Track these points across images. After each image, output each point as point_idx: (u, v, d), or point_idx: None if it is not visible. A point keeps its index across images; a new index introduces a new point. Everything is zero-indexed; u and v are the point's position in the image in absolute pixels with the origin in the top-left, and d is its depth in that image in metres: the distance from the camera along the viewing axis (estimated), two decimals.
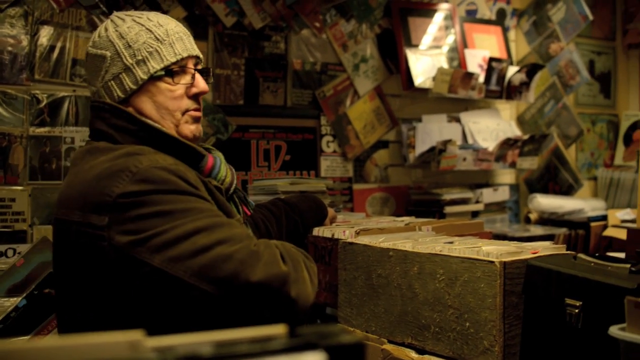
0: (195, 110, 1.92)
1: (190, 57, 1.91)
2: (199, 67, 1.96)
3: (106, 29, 1.89)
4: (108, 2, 3.46)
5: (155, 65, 1.83)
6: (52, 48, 3.31)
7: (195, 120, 1.93)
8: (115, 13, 1.95)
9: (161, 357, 0.66)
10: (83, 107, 3.33)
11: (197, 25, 3.74)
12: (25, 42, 3.24)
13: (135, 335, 0.71)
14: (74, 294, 1.76)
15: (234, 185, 1.99)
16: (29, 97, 3.24)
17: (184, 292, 1.57)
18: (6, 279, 2.90)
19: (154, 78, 1.84)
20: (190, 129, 1.90)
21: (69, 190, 1.72)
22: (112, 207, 1.59)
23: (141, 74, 1.83)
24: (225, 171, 1.96)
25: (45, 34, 3.30)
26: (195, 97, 1.92)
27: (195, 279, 1.55)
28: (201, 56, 1.98)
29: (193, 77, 1.91)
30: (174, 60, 1.85)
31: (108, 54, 1.85)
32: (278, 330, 0.75)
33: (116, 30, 1.87)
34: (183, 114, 1.89)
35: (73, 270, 1.74)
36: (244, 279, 1.55)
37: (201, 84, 1.92)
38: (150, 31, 1.86)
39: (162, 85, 1.85)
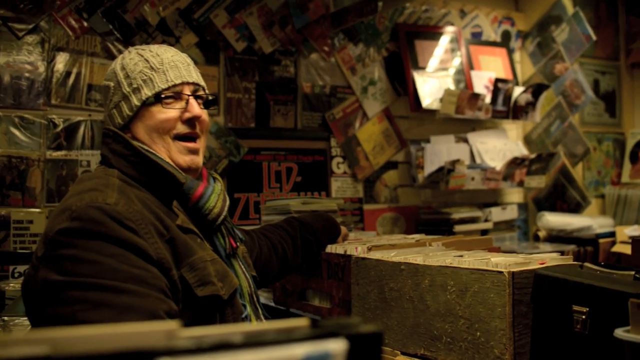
0: (190, 137, 1.95)
1: (185, 83, 1.94)
2: (200, 94, 1.99)
3: (115, 62, 1.98)
4: (122, 29, 3.55)
5: (147, 92, 1.88)
6: (68, 74, 3.41)
7: (191, 151, 1.95)
8: (131, 47, 2.03)
9: (196, 344, 0.71)
10: (98, 131, 3.42)
11: (209, 50, 3.83)
12: (42, 69, 3.34)
13: (171, 325, 0.77)
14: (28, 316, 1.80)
15: (221, 217, 1.97)
16: (46, 121, 3.33)
17: None
18: None
19: (146, 104, 1.89)
20: (184, 159, 1.93)
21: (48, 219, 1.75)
22: (49, 242, 1.62)
23: (135, 100, 1.89)
24: (214, 202, 1.94)
25: (61, 60, 3.40)
26: (189, 123, 1.94)
27: None
28: (202, 84, 2.01)
29: (187, 102, 1.93)
30: (165, 86, 1.89)
31: (112, 84, 1.94)
32: (302, 322, 0.81)
33: (121, 63, 1.95)
34: (174, 139, 1.92)
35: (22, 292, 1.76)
36: None
37: (195, 108, 1.93)
38: (147, 61, 1.92)
39: (154, 109, 1.89)
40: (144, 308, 1.58)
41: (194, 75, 1.99)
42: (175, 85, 1.92)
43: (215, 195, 1.96)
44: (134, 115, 1.90)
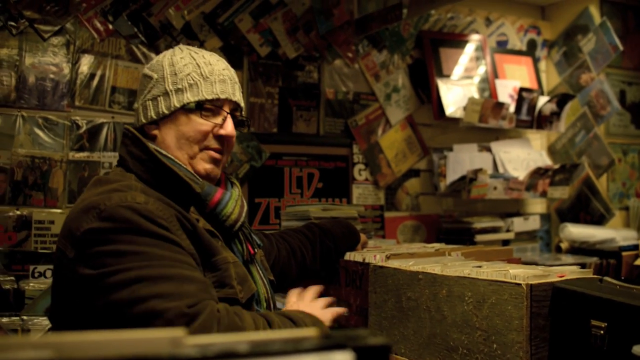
0: (216, 151, 1.94)
1: (227, 100, 1.93)
2: (237, 114, 1.99)
3: (164, 55, 1.96)
4: (147, 32, 3.56)
5: (190, 97, 1.87)
6: (92, 76, 3.44)
7: (213, 161, 1.94)
8: (181, 45, 2.02)
9: (201, 352, 0.70)
10: (121, 134, 3.42)
11: (233, 55, 3.83)
12: (66, 70, 3.36)
13: (176, 332, 0.76)
14: (57, 315, 1.82)
15: (239, 223, 1.96)
16: (70, 123, 3.36)
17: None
18: (45, 299, 2.98)
19: (185, 109, 1.88)
20: (205, 167, 1.92)
21: (66, 219, 1.76)
22: (79, 242, 1.64)
23: (175, 101, 1.87)
24: (232, 208, 1.93)
25: (86, 63, 3.42)
26: (220, 139, 1.93)
27: (129, 326, 1.52)
28: (242, 105, 2.01)
29: (225, 119, 1.93)
30: (209, 97, 1.88)
31: (155, 76, 1.92)
32: (310, 332, 0.80)
33: (170, 58, 1.93)
34: (202, 149, 1.91)
35: (55, 292, 1.79)
36: None
37: (229, 127, 1.93)
38: (198, 66, 1.91)
39: (192, 117, 1.88)
40: (198, 278, 1.64)
41: (237, 94, 1.98)
42: (218, 99, 1.91)
43: (233, 201, 1.95)
44: (169, 115, 1.89)
